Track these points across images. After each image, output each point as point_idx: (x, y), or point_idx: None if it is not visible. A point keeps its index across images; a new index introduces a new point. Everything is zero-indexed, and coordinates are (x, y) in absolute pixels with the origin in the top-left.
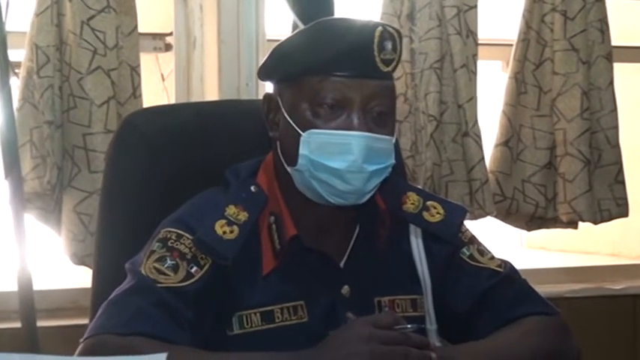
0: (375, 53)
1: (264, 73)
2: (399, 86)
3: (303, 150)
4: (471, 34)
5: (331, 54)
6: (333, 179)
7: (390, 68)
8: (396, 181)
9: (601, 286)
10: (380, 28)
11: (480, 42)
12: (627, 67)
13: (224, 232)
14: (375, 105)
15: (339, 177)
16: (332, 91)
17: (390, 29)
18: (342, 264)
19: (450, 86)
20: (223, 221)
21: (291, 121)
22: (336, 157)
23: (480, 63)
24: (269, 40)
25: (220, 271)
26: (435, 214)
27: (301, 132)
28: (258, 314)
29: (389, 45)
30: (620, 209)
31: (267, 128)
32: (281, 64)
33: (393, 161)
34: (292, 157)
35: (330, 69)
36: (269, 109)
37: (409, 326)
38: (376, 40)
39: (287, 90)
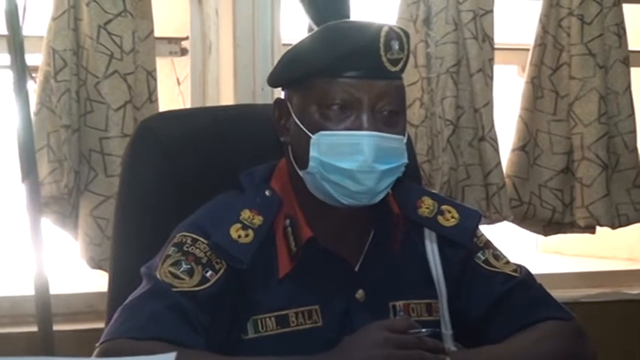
0: (382, 53)
1: (273, 79)
2: (415, 91)
3: (313, 152)
4: (487, 38)
5: (338, 55)
6: (344, 180)
7: (397, 68)
8: (410, 185)
9: (617, 291)
10: (386, 28)
11: (496, 46)
12: None
13: (239, 236)
14: (384, 105)
15: (351, 177)
16: (340, 92)
17: (397, 29)
18: (357, 268)
19: (466, 91)
20: (238, 225)
21: (300, 125)
22: (347, 157)
23: (496, 67)
24: (284, 45)
25: (235, 275)
26: (450, 218)
27: (311, 134)
28: (273, 318)
29: (396, 45)
30: (638, 214)
31: (279, 134)
32: (289, 68)
33: (405, 160)
34: (303, 160)
35: (337, 71)
36: (280, 114)
37: (424, 330)
38: (382, 40)
39: (296, 94)
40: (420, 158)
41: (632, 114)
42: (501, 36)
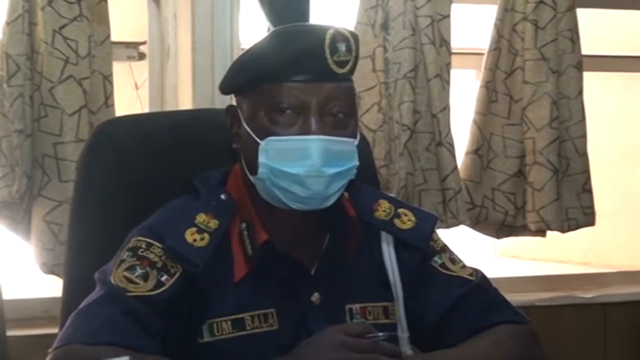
0: (328, 56)
1: (224, 85)
2: (373, 95)
3: (262, 158)
4: (445, 43)
5: (284, 60)
6: (293, 185)
7: (345, 70)
8: (367, 188)
9: (572, 295)
10: (331, 31)
11: (453, 51)
12: (595, 75)
13: (194, 240)
14: (332, 107)
15: (299, 182)
16: (287, 97)
17: (343, 31)
18: (312, 271)
19: (423, 95)
20: (194, 229)
21: (249, 131)
22: (295, 162)
23: (455, 72)
24: (243, 49)
25: (191, 278)
26: (407, 221)
27: (259, 140)
28: (228, 322)
29: (342, 47)
30: (587, 218)
31: (231, 140)
32: (238, 74)
33: (355, 163)
34: (253, 166)
35: (284, 75)
36: (231, 121)
37: (380, 334)
38: (327, 42)
39: (245, 100)
40: (378, 163)
41: (583, 119)
42: (459, 41)
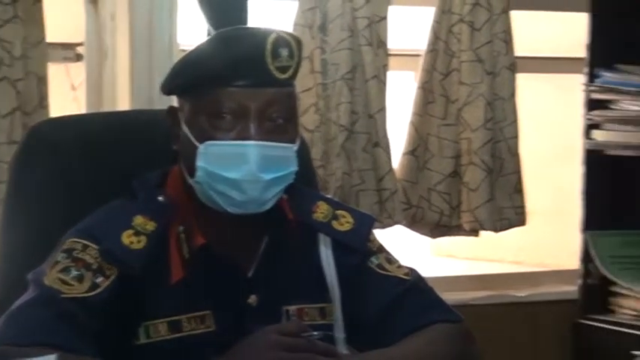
0: (269, 61)
1: (165, 86)
2: (311, 97)
3: (200, 162)
4: (382, 45)
5: (225, 64)
6: (230, 190)
7: (286, 75)
8: (305, 190)
9: (505, 293)
10: (273, 35)
11: (390, 53)
12: (528, 77)
13: (131, 242)
14: (272, 113)
15: (236, 187)
16: (228, 101)
17: (286, 36)
18: (250, 274)
19: (361, 97)
20: (130, 231)
21: (189, 134)
22: (233, 167)
23: (392, 73)
24: (182, 50)
25: (127, 280)
26: (345, 223)
27: (198, 144)
28: (165, 324)
29: (284, 52)
30: (519, 218)
31: (172, 141)
32: (180, 76)
33: (294, 168)
34: (192, 169)
35: (225, 79)
36: (172, 122)
37: (315, 333)
38: (269, 47)
39: (186, 102)
40: (315, 163)
41: (515, 120)
42: (397, 42)
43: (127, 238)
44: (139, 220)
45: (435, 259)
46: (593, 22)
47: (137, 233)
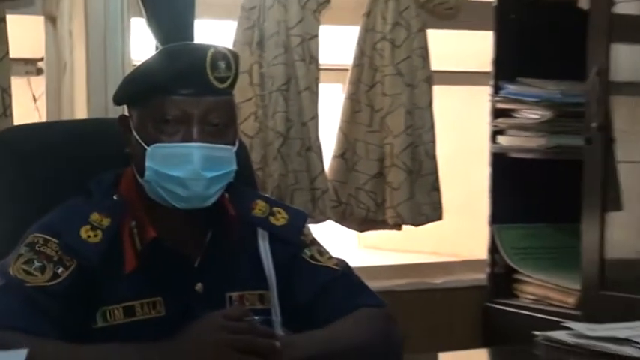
0: (208, 72)
1: (117, 97)
2: (250, 106)
3: (148, 163)
4: (313, 60)
5: (170, 76)
6: (176, 187)
7: (225, 85)
8: (245, 190)
9: (423, 281)
10: (212, 50)
11: (321, 67)
12: (444, 88)
13: (88, 237)
14: (212, 118)
15: (181, 184)
16: (172, 109)
17: (223, 50)
18: (196, 264)
19: (295, 106)
20: (88, 227)
21: (138, 138)
22: (178, 167)
23: (323, 85)
24: (134, 64)
25: (85, 271)
26: (280, 218)
27: (146, 147)
28: (120, 309)
29: (222, 64)
30: (436, 213)
31: (124, 145)
32: (129, 87)
33: (233, 168)
34: (142, 170)
35: (169, 89)
36: (124, 128)
37: (256, 318)
38: (209, 60)
39: (135, 110)
40: (254, 166)
41: (432, 127)
42: (327, 57)
43: (85, 232)
44: (95, 216)
45: (362, 251)
46: (498, 40)
47: (94, 228)
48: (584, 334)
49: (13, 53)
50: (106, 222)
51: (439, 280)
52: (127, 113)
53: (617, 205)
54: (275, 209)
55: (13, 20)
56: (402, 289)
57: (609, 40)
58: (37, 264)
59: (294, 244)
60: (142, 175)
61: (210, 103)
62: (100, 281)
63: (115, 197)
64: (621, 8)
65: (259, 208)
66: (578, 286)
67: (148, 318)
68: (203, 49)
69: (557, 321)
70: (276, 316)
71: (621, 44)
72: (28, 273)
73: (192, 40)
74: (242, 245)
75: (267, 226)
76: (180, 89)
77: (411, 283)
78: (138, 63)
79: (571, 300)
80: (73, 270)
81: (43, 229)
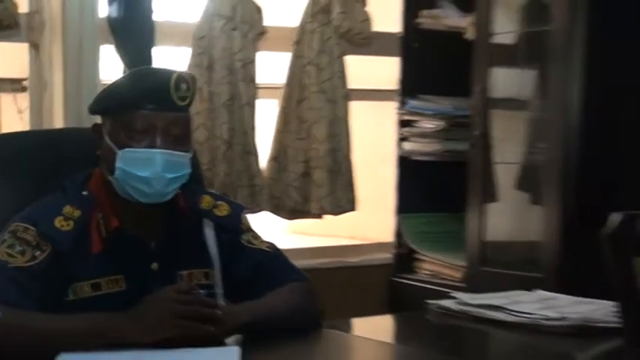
0: (172, 92)
1: (92, 108)
2: (202, 118)
3: (118, 164)
4: (252, 80)
5: (139, 93)
6: (141, 184)
7: (184, 103)
8: (195, 187)
9: (342, 260)
10: (176, 74)
11: (259, 86)
12: (359, 103)
13: (61, 225)
14: (173, 130)
15: (146, 183)
16: (141, 121)
17: (185, 75)
18: (152, 247)
19: (237, 118)
20: (61, 217)
21: (110, 143)
22: (144, 168)
23: (262, 101)
24: (103, 83)
25: (59, 254)
26: (223, 210)
27: (118, 150)
28: (88, 285)
29: (184, 86)
30: (351, 205)
31: (96, 148)
32: (104, 101)
33: (188, 171)
34: (112, 169)
35: (138, 104)
36: (97, 134)
37: (202, 291)
38: (172, 83)
39: (108, 120)
40: (203, 167)
41: (349, 135)
42: (264, 77)
43: (59, 222)
44: (67, 209)
45: (290, 236)
46: (402, 64)
47: (66, 219)
48: (466, 302)
49: (2, 74)
50: (77, 213)
51: (354, 260)
52: (99, 122)
53: (493, 198)
54: (218, 202)
55: (1, 46)
56: (323, 267)
57: (489, 65)
58: (18, 248)
59: (233, 231)
60: (112, 173)
61: (172, 118)
62: (71, 262)
63: (84, 193)
64: (498, 39)
65: (205, 201)
66: (463, 264)
67: (111, 292)
68: (169, 72)
69: (446, 292)
70: (219, 290)
71: (498, 68)
72: (10, 255)
73: (151, 64)
74: (191, 232)
75: (212, 217)
76: (148, 105)
77: (330, 262)
78: (107, 82)
79: (458, 275)
80: (48, 253)
81: (23, 219)
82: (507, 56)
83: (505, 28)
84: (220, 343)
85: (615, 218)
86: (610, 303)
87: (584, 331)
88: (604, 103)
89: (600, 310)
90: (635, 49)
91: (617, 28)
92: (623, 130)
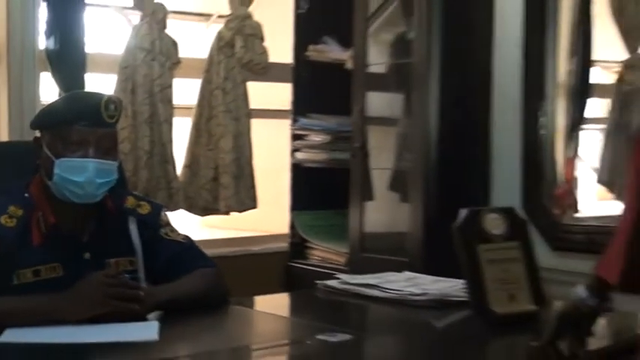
0: (103, 111)
1: (33, 124)
2: (127, 132)
3: (56, 170)
4: (169, 102)
5: (75, 113)
6: (75, 188)
7: (113, 121)
8: (120, 190)
9: (245, 249)
10: (106, 97)
11: (175, 106)
12: (260, 120)
13: (6, 222)
14: (103, 143)
15: (79, 187)
16: (76, 135)
17: (114, 98)
18: (85, 240)
19: (156, 133)
20: (6, 215)
21: (49, 153)
22: (78, 174)
23: (178, 119)
24: (42, 103)
25: (4, 245)
26: (145, 208)
27: (55, 159)
28: (30, 271)
29: (112, 107)
30: (253, 204)
31: (36, 157)
32: (43, 118)
33: (115, 177)
34: (50, 175)
35: (74, 122)
36: (37, 146)
37: (127, 276)
38: (103, 104)
39: (47, 134)
40: (128, 174)
41: (251, 147)
42: (181, 98)
43: (4, 219)
44: (11, 208)
45: (204, 230)
46: (294, 89)
47: (10, 217)
48: (348, 282)
49: None
50: (20, 212)
51: (256, 248)
52: (38, 135)
53: (370, 197)
54: (141, 202)
55: None
56: (231, 255)
57: (365, 90)
58: None
59: (153, 226)
60: (50, 179)
61: (102, 133)
62: (15, 253)
63: (26, 195)
64: (372, 69)
65: (130, 202)
66: (346, 251)
67: (50, 278)
68: (99, 95)
69: (332, 274)
70: (141, 275)
71: (373, 92)
72: None
73: (84, 88)
74: (117, 227)
75: (135, 214)
76: (82, 122)
77: (237, 251)
78: (45, 103)
79: (342, 260)
80: None
81: None
82: (380, 83)
83: (378, 60)
84: (143, 318)
85: (462, 213)
86: (460, 281)
87: (442, 304)
88: (456, 121)
89: (454, 286)
90: (471, 80)
91: (463, 61)
92: (471, 141)
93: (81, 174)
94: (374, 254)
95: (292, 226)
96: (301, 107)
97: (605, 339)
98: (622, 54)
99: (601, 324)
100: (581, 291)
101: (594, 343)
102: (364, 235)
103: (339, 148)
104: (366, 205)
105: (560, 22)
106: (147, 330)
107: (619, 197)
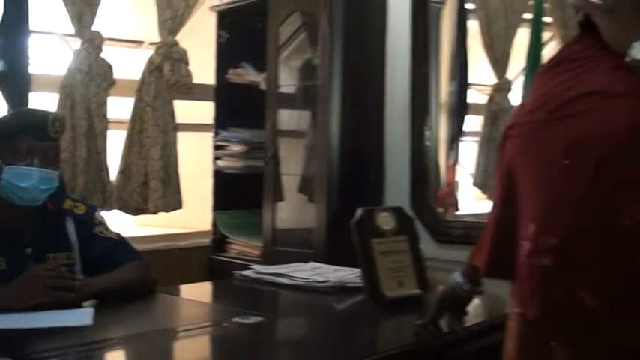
0: (49, 127)
1: None
2: (67, 143)
3: (4, 176)
4: (105, 117)
5: (23, 127)
6: (21, 192)
7: (57, 135)
8: (60, 194)
9: (174, 244)
10: (52, 115)
11: (110, 121)
12: (186, 133)
13: None
14: (47, 154)
15: (24, 191)
16: (24, 147)
17: (59, 115)
18: (28, 237)
19: (93, 144)
20: None
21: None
22: (24, 181)
23: (112, 132)
24: None
25: None
26: (81, 209)
27: (4, 167)
28: None
29: (57, 124)
30: (179, 205)
31: None
32: None
33: (56, 184)
34: None
35: (22, 135)
36: None
37: (64, 268)
38: (50, 121)
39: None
40: (67, 179)
41: (176, 156)
42: (114, 114)
43: None
44: None
45: (136, 228)
46: (216, 106)
47: None
48: (261, 272)
49: None
50: None
51: (182, 243)
52: None
53: (281, 198)
54: (78, 204)
55: None
56: (160, 249)
57: (277, 107)
58: None
59: (89, 225)
60: None
61: (47, 146)
62: None
63: None
64: (283, 89)
65: (68, 203)
66: (261, 244)
67: None
68: (46, 113)
69: (248, 265)
70: (78, 268)
71: (284, 109)
72: None
73: (27, 106)
74: (57, 226)
75: (72, 215)
76: (30, 136)
77: (165, 245)
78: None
79: (257, 252)
80: None
81: None
82: (289, 101)
83: (288, 82)
84: (79, 306)
85: (359, 212)
86: (357, 270)
87: (342, 290)
88: (354, 133)
89: (352, 274)
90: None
91: (360, 83)
92: (367, 151)
93: (26, 180)
94: (284, 247)
95: (214, 224)
96: (222, 122)
97: (479, 317)
98: (492, 79)
99: (475, 304)
100: (457, 276)
101: (469, 320)
102: (276, 231)
103: (255, 157)
104: (278, 205)
105: (442, 53)
106: (82, 316)
107: (490, 197)
